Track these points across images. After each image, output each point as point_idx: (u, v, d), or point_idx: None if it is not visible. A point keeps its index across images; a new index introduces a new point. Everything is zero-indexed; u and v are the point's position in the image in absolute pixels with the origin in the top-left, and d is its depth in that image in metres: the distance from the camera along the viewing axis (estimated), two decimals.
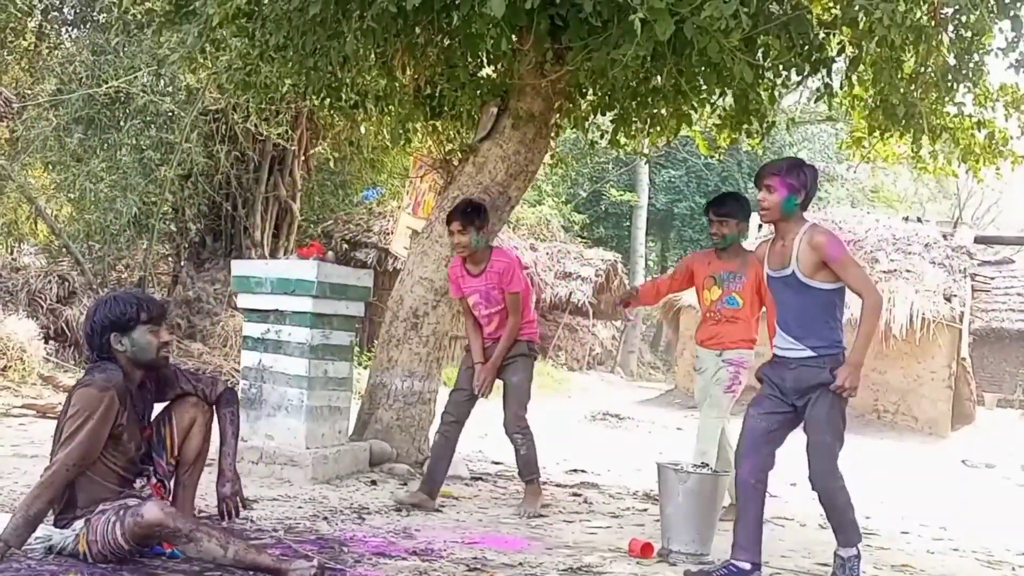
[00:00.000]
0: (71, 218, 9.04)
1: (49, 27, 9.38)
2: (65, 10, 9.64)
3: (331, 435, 4.02)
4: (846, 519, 2.64)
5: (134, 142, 7.94)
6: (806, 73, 4.02)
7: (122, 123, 8.01)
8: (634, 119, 4.63)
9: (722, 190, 13.25)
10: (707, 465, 3.20)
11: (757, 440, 2.61)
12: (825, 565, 3.08)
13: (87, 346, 2.48)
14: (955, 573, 3.27)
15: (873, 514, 4.51)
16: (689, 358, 10.89)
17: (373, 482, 3.96)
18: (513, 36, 3.67)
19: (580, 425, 8.70)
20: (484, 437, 5.98)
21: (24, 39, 9.10)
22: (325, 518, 3.15)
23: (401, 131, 4.86)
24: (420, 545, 2.84)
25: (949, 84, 3.93)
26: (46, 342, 7.36)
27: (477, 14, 3.22)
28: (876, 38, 3.42)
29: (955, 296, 10.48)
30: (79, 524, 2.35)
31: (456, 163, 4.84)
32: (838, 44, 3.94)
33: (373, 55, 4.22)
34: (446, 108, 4.52)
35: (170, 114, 8.05)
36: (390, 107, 4.73)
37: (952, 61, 3.88)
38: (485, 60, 4.47)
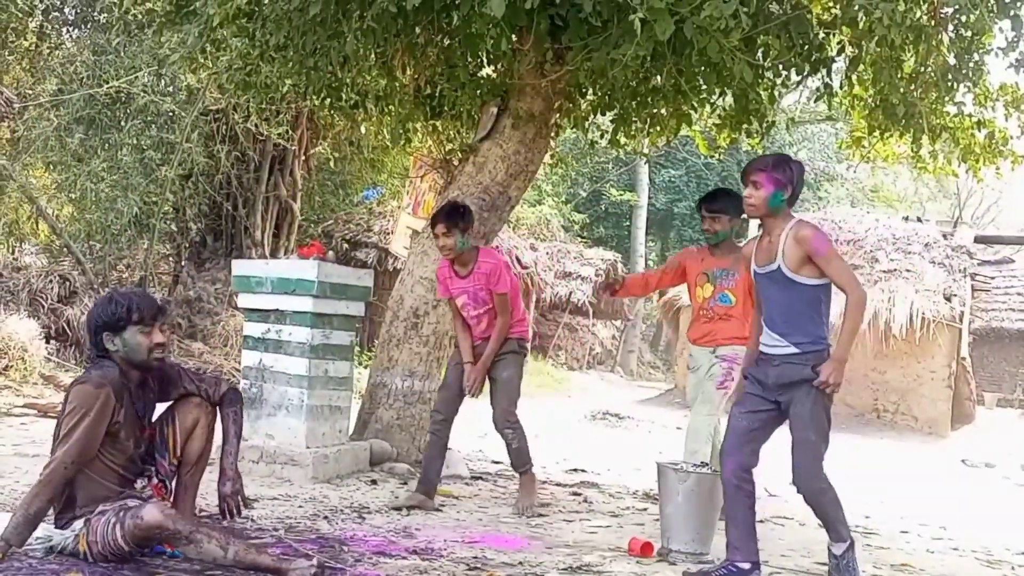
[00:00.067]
0: (72, 218, 9.05)
1: (50, 27, 9.39)
2: (66, 10, 9.65)
3: (331, 434, 4.03)
4: (834, 516, 2.62)
5: (135, 142, 7.94)
6: (806, 73, 4.02)
7: (123, 123, 8.02)
8: (634, 119, 4.63)
9: None
10: (707, 464, 3.20)
11: (739, 439, 2.60)
12: (825, 564, 3.08)
13: (88, 344, 2.49)
14: (955, 572, 3.28)
15: (873, 513, 4.51)
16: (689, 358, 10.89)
17: (373, 481, 3.97)
18: (513, 36, 3.67)
19: (580, 424, 8.71)
20: (484, 436, 5.98)
21: (25, 39, 9.11)
22: (325, 517, 3.16)
23: (401, 131, 4.87)
24: (420, 544, 2.85)
25: (949, 84, 3.94)
26: (47, 342, 7.37)
27: (477, 14, 3.23)
28: (876, 38, 3.42)
29: (955, 296, 10.49)
30: (79, 524, 2.35)
31: (456, 163, 4.85)
32: (838, 44, 3.94)
33: (373, 55, 4.23)
34: (446, 108, 4.53)
35: (171, 114, 8.06)
36: (390, 107, 4.73)
37: (952, 61, 3.89)
38: (485, 60, 4.47)
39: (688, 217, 19.73)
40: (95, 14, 9.06)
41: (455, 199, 3.99)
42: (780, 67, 3.99)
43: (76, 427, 2.29)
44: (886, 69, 3.92)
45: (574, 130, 5.08)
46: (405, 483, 3.97)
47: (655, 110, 4.54)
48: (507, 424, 3.56)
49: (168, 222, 9.32)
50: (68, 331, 7.86)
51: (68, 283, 8.37)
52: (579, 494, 4.29)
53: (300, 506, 3.32)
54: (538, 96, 4.31)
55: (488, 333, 3.58)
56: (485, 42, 3.60)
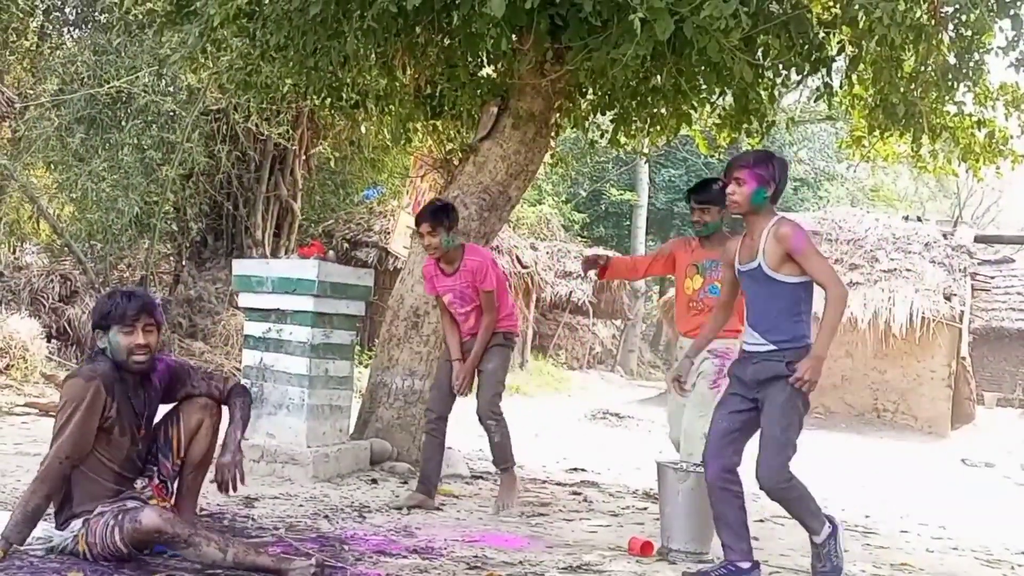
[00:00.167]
0: (73, 217, 9.06)
1: (51, 27, 9.40)
2: (67, 10, 9.66)
3: (332, 434, 4.03)
4: (804, 511, 2.58)
5: (136, 142, 7.95)
6: (806, 72, 4.02)
7: (124, 123, 8.03)
8: (634, 118, 4.63)
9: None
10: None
11: (721, 441, 2.59)
12: None
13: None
14: (954, 572, 3.28)
15: (873, 513, 4.51)
16: None
17: (374, 480, 3.97)
18: (513, 36, 3.67)
19: (580, 424, 8.72)
20: (484, 436, 5.98)
21: (26, 39, 9.12)
22: (326, 516, 3.16)
23: (402, 131, 4.87)
24: (420, 543, 2.85)
25: (949, 83, 3.94)
26: (48, 341, 7.38)
27: (477, 14, 3.23)
28: (876, 37, 3.43)
29: (955, 295, 10.49)
30: (77, 524, 2.35)
31: (456, 163, 4.85)
32: (838, 43, 3.94)
33: (373, 55, 4.23)
34: (446, 108, 4.53)
35: (171, 114, 8.06)
36: (391, 107, 4.74)
37: (952, 60, 3.89)
38: (485, 60, 4.47)
39: (688, 216, 19.65)
40: (96, 14, 9.07)
41: (438, 197, 3.98)
42: (780, 67, 3.99)
43: (69, 421, 2.30)
44: (886, 68, 3.92)
45: (574, 130, 5.08)
46: (405, 482, 3.97)
47: (655, 110, 4.54)
48: (490, 415, 3.53)
49: (169, 222, 9.33)
50: (69, 330, 7.88)
51: (69, 283, 8.38)
52: (579, 493, 4.30)
53: (301, 505, 3.33)
54: (538, 96, 4.31)
55: (476, 329, 3.56)
56: (485, 42, 3.60)
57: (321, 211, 11.34)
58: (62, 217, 9.34)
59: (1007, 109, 4.47)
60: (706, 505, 2.96)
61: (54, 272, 8.53)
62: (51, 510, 2.41)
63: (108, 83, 7.72)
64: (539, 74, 4.21)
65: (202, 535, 2.28)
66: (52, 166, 8.55)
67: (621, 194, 18.42)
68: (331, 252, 5.56)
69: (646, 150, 6.04)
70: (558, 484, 4.58)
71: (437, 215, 3.45)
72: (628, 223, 19.32)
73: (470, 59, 4.31)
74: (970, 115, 4.40)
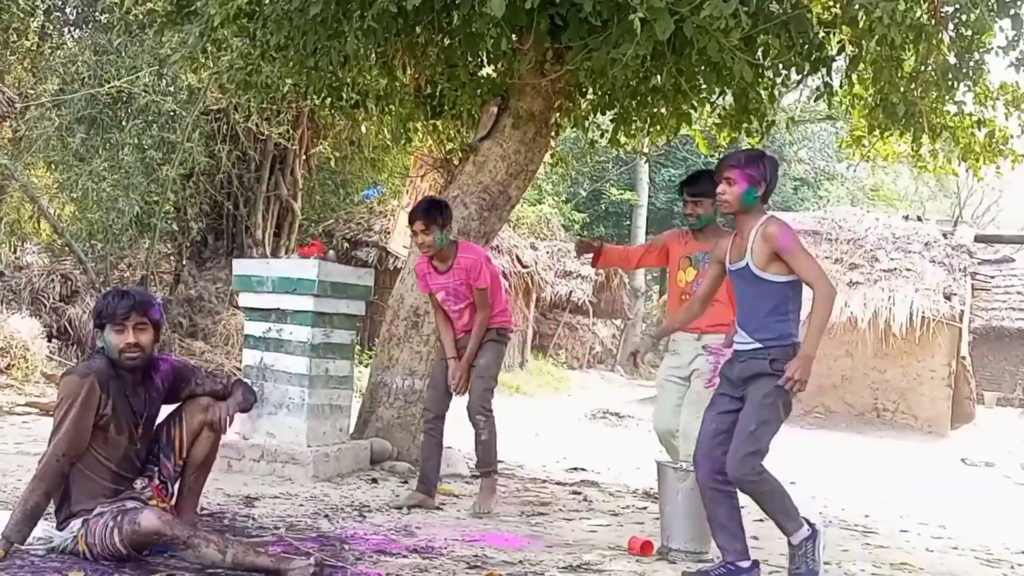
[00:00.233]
0: (74, 217, 9.06)
1: (52, 27, 9.40)
2: (67, 10, 9.66)
3: (332, 433, 4.04)
4: (776, 508, 2.54)
5: (136, 142, 7.95)
6: (806, 72, 4.02)
7: (124, 123, 8.03)
8: (634, 118, 4.63)
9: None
10: None
11: (711, 442, 2.58)
12: (824, 563, 3.08)
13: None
14: (954, 571, 3.28)
15: (872, 512, 4.52)
16: None
17: (374, 480, 3.98)
18: (513, 36, 3.67)
19: (580, 423, 8.72)
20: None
21: (27, 39, 9.12)
22: (326, 516, 3.17)
23: (402, 130, 4.87)
24: (421, 543, 2.86)
25: (949, 83, 3.94)
26: (49, 340, 7.39)
27: (477, 14, 3.23)
28: (876, 37, 3.43)
29: (955, 295, 10.49)
30: (76, 524, 2.35)
31: (456, 162, 4.85)
32: (838, 43, 3.94)
33: (374, 55, 4.24)
34: (446, 107, 4.53)
35: (172, 114, 8.07)
36: (391, 106, 4.74)
37: (952, 60, 3.89)
38: (485, 60, 4.48)
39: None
40: (96, 14, 9.07)
41: (431, 195, 3.97)
42: (780, 66, 3.99)
43: (64, 418, 2.30)
44: (886, 68, 3.92)
45: (574, 129, 5.08)
46: (406, 482, 3.97)
47: (655, 109, 4.55)
48: (481, 410, 3.50)
49: (169, 221, 9.33)
50: (70, 330, 7.88)
51: (70, 282, 8.38)
52: (579, 493, 4.30)
53: (301, 504, 3.33)
54: (538, 95, 4.31)
55: (470, 326, 3.55)
56: (485, 42, 3.61)
57: (321, 211, 11.35)
58: (63, 217, 9.35)
59: (1007, 109, 4.48)
60: None
61: (55, 272, 8.53)
62: (51, 509, 2.41)
63: (109, 83, 7.72)
64: (539, 74, 4.21)
65: (201, 536, 2.28)
66: (53, 166, 8.55)
67: (621, 194, 18.43)
68: (331, 252, 5.57)
69: (646, 150, 6.04)
70: (558, 483, 4.58)
71: (430, 213, 3.42)
72: (628, 223, 19.32)
73: (470, 59, 4.32)
74: (970, 115, 4.40)
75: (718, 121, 4.74)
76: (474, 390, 3.53)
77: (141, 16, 7.56)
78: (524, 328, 13.53)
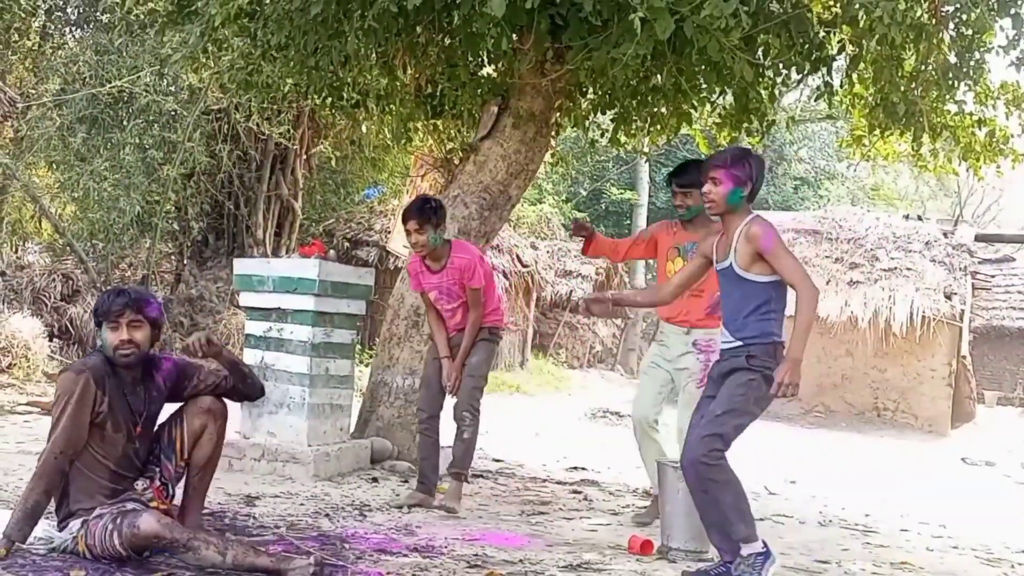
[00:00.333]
0: (75, 217, 9.07)
1: (53, 27, 9.40)
2: (69, 10, 9.67)
3: (333, 432, 4.05)
4: (731, 505, 2.44)
5: (137, 141, 7.96)
6: (806, 71, 4.02)
7: (125, 122, 8.04)
8: (634, 118, 4.64)
9: None
10: None
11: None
12: (824, 563, 3.10)
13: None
14: (954, 570, 3.28)
15: (873, 511, 4.52)
16: None
17: (374, 479, 3.98)
18: (513, 35, 3.68)
19: (580, 423, 8.72)
20: (484, 434, 5.98)
21: (28, 39, 9.13)
22: (327, 515, 3.17)
23: (402, 130, 4.87)
24: (421, 542, 2.86)
25: (950, 82, 3.94)
26: (50, 340, 7.40)
27: (478, 13, 3.24)
28: (876, 36, 3.43)
29: (955, 294, 10.49)
30: (76, 525, 2.35)
31: (457, 162, 4.86)
32: (838, 42, 3.94)
33: (374, 54, 4.24)
34: (447, 107, 4.53)
35: (173, 113, 8.07)
36: (391, 106, 4.74)
37: (953, 59, 3.89)
38: (486, 59, 4.48)
39: None
40: (97, 14, 9.07)
41: (425, 194, 3.96)
42: (780, 66, 3.99)
43: (61, 415, 2.31)
44: (887, 68, 3.92)
45: (574, 129, 5.08)
46: (406, 481, 3.98)
47: (655, 109, 4.55)
48: (468, 407, 3.49)
49: (170, 221, 9.34)
50: (71, 329, 7.89)
51: (71, 282, 8.39)
52: (579, 492, 4.31)
53: (302, 504, 3.34)
54: (538, 95, 4.32)
55: (463, 325, 3.54)
56: (486, 41, 3.61)
57: (322, 210, 11.35)
58: (64, 216, 9.36)
59: (1008, 108, 4.47)
60: None
61: (56, 271, 8.54)
62: (52, 508, 2.42)
63: (110, 83, 7.73)
64: (539, 73, 4.22)
65: (201, 539, 2.28)
66: (54, 166, 8.56)
67: (621, 193, 18.43)
68: (332, 251, 5.57)
69: (646, 149, 6.04)
70: (558, 483, 4.59)
71: (424, 212, 3.40)
72: (628, 222, 19.32)
73: (471, 59, 4.32)
74: (971, 114, 4.40)
75: (718, 121, 4.74)
76: (464, 387, 3.53)
77: (142, 16, 7.56)
78: (524, 327, 13.54)
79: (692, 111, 4.54)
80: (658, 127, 4.72)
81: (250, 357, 4.03)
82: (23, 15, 8.41)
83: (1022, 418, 12.94)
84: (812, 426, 10.03)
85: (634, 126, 4.74)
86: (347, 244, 11.26)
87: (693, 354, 3.33)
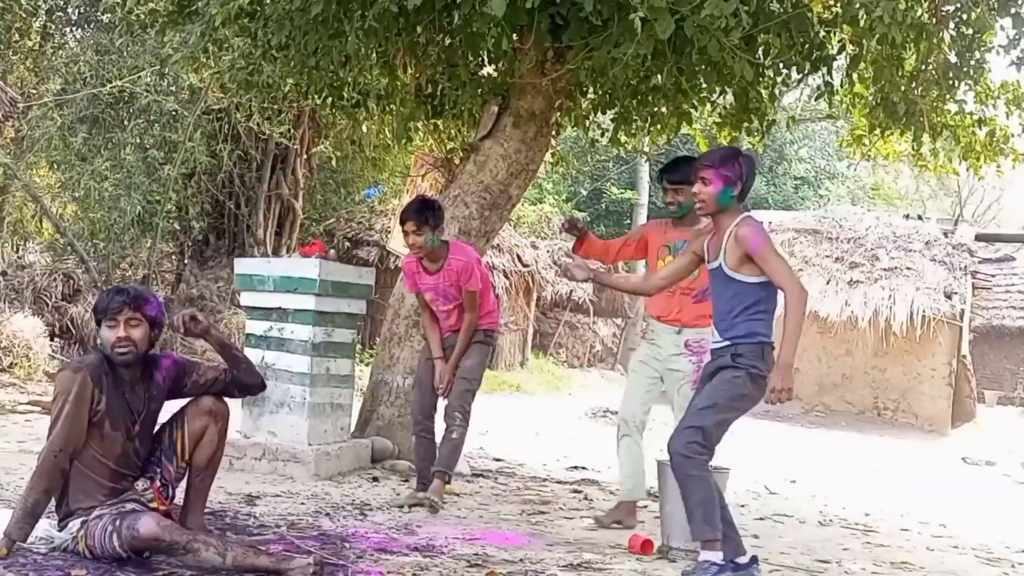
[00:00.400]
0: (76, 216, 9.08)
1: (54, 27, 9.40)
2: (69, 10, 9.67)
3: (333, 432, 4.05)
4: (699, 500, 2.45)
5: (138, 141, 7.97)
6: (807, 71, 4.03)
7: (126, 122, 8.04)
8: (635, 117, 4.64)
9: None
10: None
11: None
12: (824, 562, 3.10)
13: None
14: (954, 570, 3.29)
15: (873, 511, 4.53)
16: None
17: (375, 478, 3.99)
18: (514, 35, 3.69)
19: (580, 422, 8.73)
20: (485, 434, 6.01)
21: (29, 39, 9.13)
22: (327, 514, 3.18)
23: (403, 130, 4.88)
24: (421, 541, 2.86)
25: (950, 82, 3.94)
26: (51, 339, 7.40)
27: (478, 13, 3.24)
28: (877, 36, 3.43)
29: (956, 293, 10.49)
30: (76, 525, 2.35)
31: (457, 162, 4.87)
32: (839, 42, 3.95)
33: (375, 54, 4.24)
34: (447, 107, 4.54)
35: (173, 113, 8.08)
36: (392, 106, 4.75)
37: (953, 59, 3.89)
38: (486, 59, 4.48)
39: None
40: (98, 14, 9.07)
41: (423, 195, 3.96)
42: (781, 65, 4.00)
43: (59, 413, 2.31)
44: (887, 67, 3.92)
45: (575, 129, 5.09)
46: (406, 480, 3.98)
47: (656, 108, 4.55)
48: (459, 408, 3.49)
49: (171, 221, 9.34)
50: (72, 329, 7.89)
51: (72, 281, 8.39)
52: (580, 491, 4.31)
53: (302, 503, 3.34)
54: (539, 95, 4.32)
55: (457, 326, 3.54)
56: (486, 41, 3.61)
57: (322, 210, 11.36)
58: (65, 216, 9.37)
59: (1008, 107, 4.48)
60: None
61: (57, 271, 8.54)
62: (53, 507, 2.42)
63: (110, 83, 7.73)
64: (540, 73, 4.22)
65: (200, 541, 2.28)
66: (55, 165, 8.56)
67: (622, 192, 18.42)
68: (332, 251, 5.58)
69: (647, 149, 6.05)
70: (559, 482, 4.59)
71: (422, 213, 3.39)
72: (629, 222, 19.29)
73: (471, 58, 4.32)
74: (971, 113, 4.40)
75: (718, 120, 4.75)
76: (455, 390, 3.53)
77: (143, 16, 7.56)
78: (524, 327, 13.54)
79: (692, 111, 4.54)
80: (658, 127, 4.72)
81: (251, 357, 4.01)
82: (24, 15, 8.41)
83: (1022, 418, 12.93)
84: (812, 426, 10.03)
85: (634, 126, 4.75)
86: (348, 244, 11.26)
87: (686, 356, 3.31)
